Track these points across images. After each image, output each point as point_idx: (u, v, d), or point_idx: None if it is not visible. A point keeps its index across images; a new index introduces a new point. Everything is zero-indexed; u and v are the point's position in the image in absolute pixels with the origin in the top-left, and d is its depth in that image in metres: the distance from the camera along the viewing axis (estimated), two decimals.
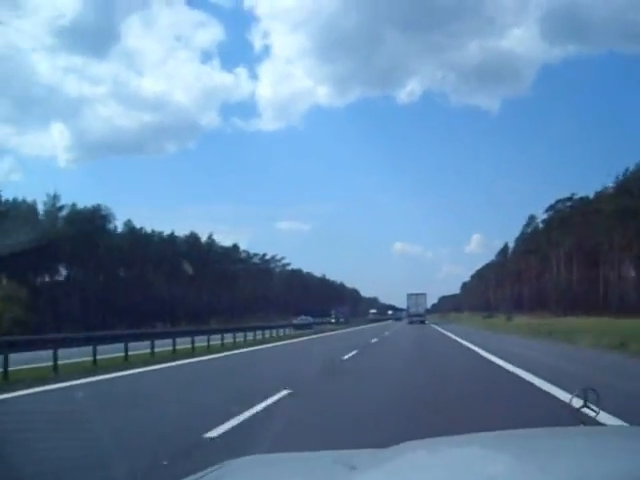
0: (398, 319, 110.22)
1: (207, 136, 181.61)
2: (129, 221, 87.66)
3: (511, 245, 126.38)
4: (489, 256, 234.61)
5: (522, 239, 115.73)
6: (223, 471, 1.80)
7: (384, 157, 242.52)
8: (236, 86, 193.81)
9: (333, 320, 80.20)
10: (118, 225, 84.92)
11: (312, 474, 1.78)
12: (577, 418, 2.26)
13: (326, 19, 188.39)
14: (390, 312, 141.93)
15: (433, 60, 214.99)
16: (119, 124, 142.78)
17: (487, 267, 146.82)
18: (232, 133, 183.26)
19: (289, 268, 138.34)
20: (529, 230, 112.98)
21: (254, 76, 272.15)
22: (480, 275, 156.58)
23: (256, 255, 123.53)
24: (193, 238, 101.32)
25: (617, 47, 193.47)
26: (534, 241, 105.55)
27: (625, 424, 5.39)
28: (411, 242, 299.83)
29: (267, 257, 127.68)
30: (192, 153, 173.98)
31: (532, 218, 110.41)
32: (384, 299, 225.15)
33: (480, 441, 2.06)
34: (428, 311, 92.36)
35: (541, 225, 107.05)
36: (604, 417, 2.96)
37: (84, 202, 79.93)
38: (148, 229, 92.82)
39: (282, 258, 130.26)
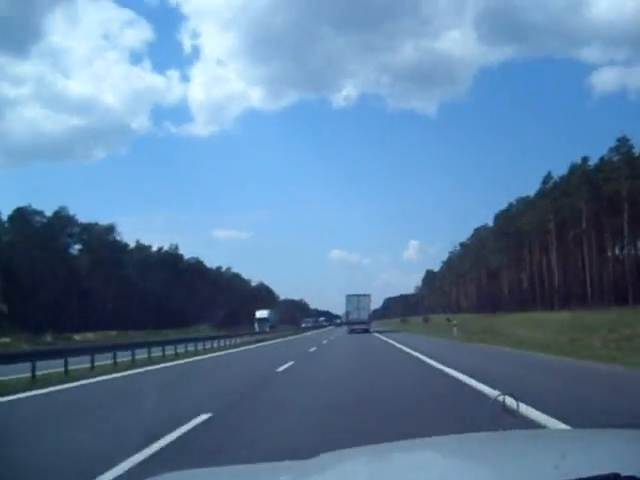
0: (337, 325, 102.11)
1: (138, 141, 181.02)
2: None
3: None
4: (427, 263, 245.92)
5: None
6: None
7: (320, 163, 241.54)
8: (167, 89, 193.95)
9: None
10: None
11: None
12: (496, 422, 2.42)
13: (257, 17, 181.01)
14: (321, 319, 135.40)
15: (369, 62, 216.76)
16: (44, 128, 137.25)
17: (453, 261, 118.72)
18: (164, 138, 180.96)
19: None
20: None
21: (185, 78, 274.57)
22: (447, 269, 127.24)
23: None
24: None
25: (554, 50, 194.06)
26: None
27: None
28: (349, 249, 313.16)
29: None
30: (123, 159, 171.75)
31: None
32: (320, 306, 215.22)
33: (399, 448, 2.13)
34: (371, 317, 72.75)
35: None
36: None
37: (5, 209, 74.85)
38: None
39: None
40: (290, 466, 1.90)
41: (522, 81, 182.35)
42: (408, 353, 21.26)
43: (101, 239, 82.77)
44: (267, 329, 62.03)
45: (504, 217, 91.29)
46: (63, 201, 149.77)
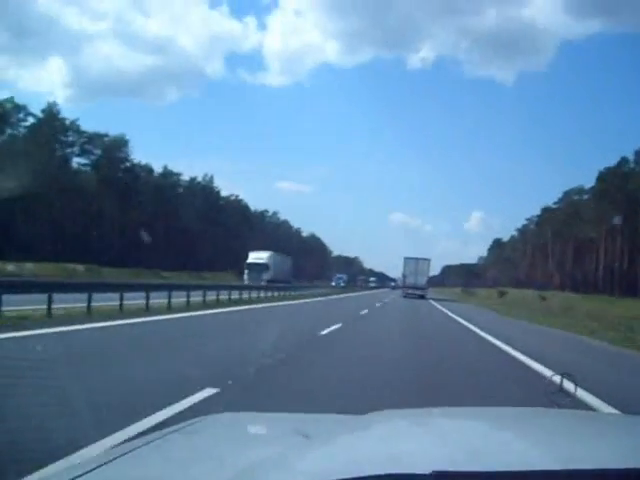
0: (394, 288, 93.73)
1: (211, 86, 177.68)
2: None
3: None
4: (489, 235, 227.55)
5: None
6: (198, 425, 1.84)
7: (391, 123, 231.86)
8: (243, 36, 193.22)
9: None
10: None
11: (270, 436, 1.84)
12: (552, 401, 2.31)
13: None
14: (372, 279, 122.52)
15: (449, 24, 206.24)
16: (120, 65, 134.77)
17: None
18: (237, 85, 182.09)
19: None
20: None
21: (262, 26, 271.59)
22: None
23: None
24: None
25: None
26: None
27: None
28: (410, 214, 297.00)
29: None
30: (194, 102, 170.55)
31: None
32: (375, 267, 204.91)
33: (447, 414, 2.10)
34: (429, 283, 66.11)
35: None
36: None
37: None
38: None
39: None
40: (344, 420, 1.91)
41: (608, 56, 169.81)
42: None
43: (110, 154, 68.08)
44: (262, 282, 41.92)
45: (612, 175, 71.69)
46: (132, 138, 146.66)
